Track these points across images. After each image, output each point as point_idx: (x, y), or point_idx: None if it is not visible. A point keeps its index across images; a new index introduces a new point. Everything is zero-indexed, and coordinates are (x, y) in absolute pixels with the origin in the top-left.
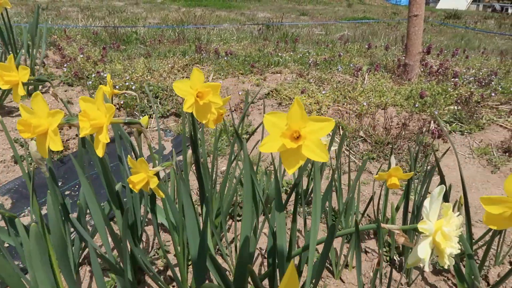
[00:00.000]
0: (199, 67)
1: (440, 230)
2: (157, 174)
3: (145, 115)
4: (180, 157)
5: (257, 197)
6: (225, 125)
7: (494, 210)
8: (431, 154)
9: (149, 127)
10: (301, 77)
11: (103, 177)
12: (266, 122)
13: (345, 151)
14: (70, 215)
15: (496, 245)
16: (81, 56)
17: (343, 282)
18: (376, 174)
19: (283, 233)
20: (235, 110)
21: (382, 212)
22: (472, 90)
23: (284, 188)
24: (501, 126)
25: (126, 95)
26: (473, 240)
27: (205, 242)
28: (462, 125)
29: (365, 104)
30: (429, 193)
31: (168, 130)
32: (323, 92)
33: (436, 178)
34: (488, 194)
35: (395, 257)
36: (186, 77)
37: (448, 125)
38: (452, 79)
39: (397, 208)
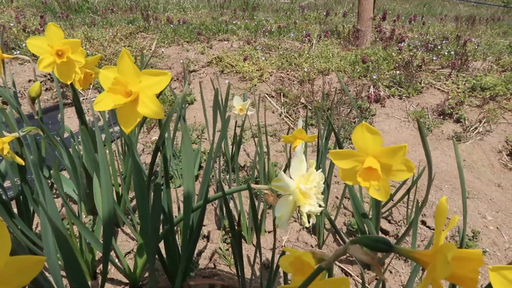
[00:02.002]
0: (143, 35)
1: (298, 188)
2: (19, 140)
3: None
4: (117, 128)
5: (140, 167)
6: (165, 94)
7: (345, 164)
8: (368, 118)
9: (86, 99)
10: (249, 45)
11: None
12: (101, 77)
13: (285, 118)
14: None
15: (406, 205)
16: (13, 25)
17: (254, 246)
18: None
19: (145, 203)
20: (177, 79)
21: None
22: (414, 54)
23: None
24: (438, 89)
25: None
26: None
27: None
28: (401, 89)
29: (306, 70)
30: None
31: None
32: (263, 59)
33: None
34: (415, 157)
35: (310, 220)
36: (129, 46)
37: (387, 89)
38: (398, 44)
39: None
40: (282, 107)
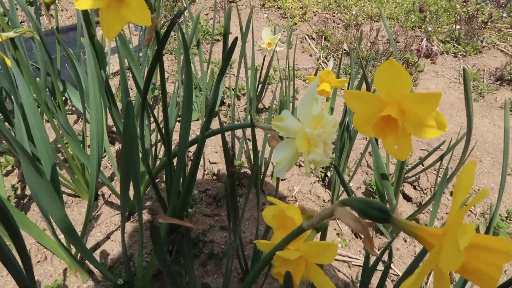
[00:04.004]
0: None
1: (303, 131)
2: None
3: None
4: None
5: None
6: (200, 23)
7: (360, 109)
8: (413, 74)
9: None
10: None
11: None
12: None
13: (322, 63)
14: None
15: (437, 172)
16: None
17: (264, 192)
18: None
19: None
20: (217, 10)
21: None
22: (481, 8)
23: (238, 93)
24: (502, 51)
25: None
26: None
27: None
28: (457, 46)
29: (354, 13)
30: None
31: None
32: None
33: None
34: (459, 122)
35: (328, 173)
36: None
37: (442, 44)
38: None
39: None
40: (321, 51)
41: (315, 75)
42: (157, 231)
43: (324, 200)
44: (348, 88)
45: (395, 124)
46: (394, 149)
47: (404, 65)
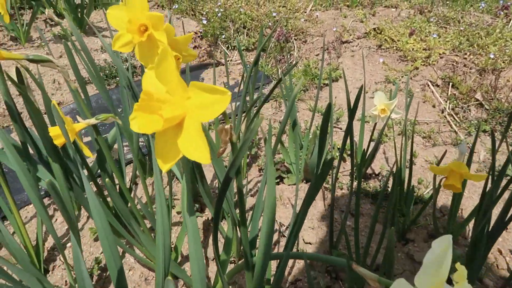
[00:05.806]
0: None
1: None
2: (95, 127)
3: (228, 46)
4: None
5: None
6: (308, 66)
7: None
8: None
9: (231, 60)
10: (421, 14)
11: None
12: (145, 79)
13: (447, 116)
14: None
15: None
16: None
17: None
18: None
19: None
20: (327, 49)
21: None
22: None
23: (336, 154)
24: None
25: (204, 22)
26: None
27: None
28: None
29: (492, 56)
30: None
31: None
32: (434, 36)
33: None
34: None
35: None
36: (283, 7)
37: None
38: None
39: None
40: (448, 102)
41: (450, 137)
42: None
43: None
44: (490, 173)
45: None
46: None
47: None
